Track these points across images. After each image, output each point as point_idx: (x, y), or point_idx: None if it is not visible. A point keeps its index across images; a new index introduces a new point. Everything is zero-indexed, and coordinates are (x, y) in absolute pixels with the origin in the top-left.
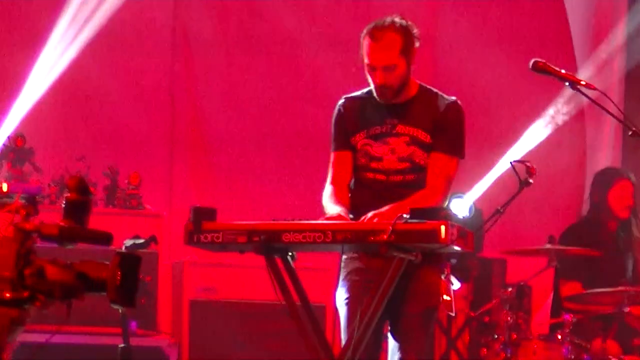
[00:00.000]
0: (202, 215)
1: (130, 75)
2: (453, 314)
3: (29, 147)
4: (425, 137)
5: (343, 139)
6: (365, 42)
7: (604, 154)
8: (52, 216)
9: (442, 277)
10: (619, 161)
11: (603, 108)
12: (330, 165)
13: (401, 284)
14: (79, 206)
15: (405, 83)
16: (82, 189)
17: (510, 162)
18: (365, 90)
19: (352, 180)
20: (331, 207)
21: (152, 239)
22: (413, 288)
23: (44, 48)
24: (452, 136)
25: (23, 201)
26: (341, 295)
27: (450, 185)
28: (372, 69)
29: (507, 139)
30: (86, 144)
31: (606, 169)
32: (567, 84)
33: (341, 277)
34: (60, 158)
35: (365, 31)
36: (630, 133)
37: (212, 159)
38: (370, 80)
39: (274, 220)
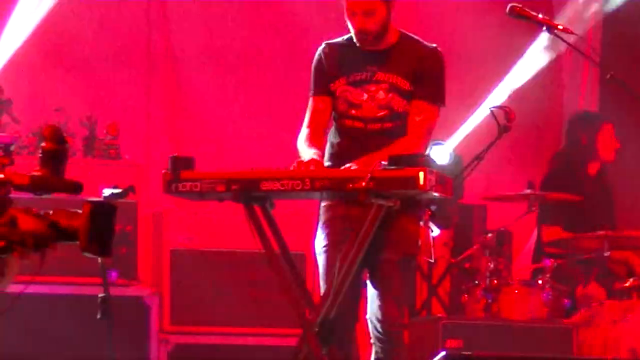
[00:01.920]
0: (180, 165)
1: (107, 26)
2: (432, 261)
3: (7, 98)
4: (404, 84)
5: (322, 84)
6: None
7: (582, 98)
8: (30, 167)
9: (421, 224)
10: (597, 105)
11: (580, 52)
12: (308, 109)
13: (379, 231)
14: (54, 155)
15: (385, 29)
16: (58, 138)
17: (490, 108)
18: (346, 36)
19: (332, 128)
20: (305, 150)
21: (130, 189)
22: (391, 235)
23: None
24: (433, 84)
25: None
26: (320, 243)
27: (431, 133)
28: (352, 14)
29: (486, 85)
30: (64, 95)
31: (586, 112)
32: (544, 28)
33: (320, 225)
34: (39, 109)
35: None
36: (608, 77)
37: (190, 108)
38: (350, 25)
39: (252, 168)
